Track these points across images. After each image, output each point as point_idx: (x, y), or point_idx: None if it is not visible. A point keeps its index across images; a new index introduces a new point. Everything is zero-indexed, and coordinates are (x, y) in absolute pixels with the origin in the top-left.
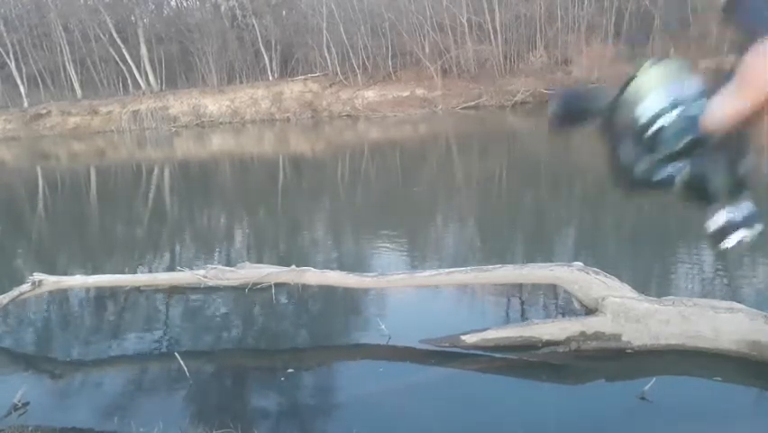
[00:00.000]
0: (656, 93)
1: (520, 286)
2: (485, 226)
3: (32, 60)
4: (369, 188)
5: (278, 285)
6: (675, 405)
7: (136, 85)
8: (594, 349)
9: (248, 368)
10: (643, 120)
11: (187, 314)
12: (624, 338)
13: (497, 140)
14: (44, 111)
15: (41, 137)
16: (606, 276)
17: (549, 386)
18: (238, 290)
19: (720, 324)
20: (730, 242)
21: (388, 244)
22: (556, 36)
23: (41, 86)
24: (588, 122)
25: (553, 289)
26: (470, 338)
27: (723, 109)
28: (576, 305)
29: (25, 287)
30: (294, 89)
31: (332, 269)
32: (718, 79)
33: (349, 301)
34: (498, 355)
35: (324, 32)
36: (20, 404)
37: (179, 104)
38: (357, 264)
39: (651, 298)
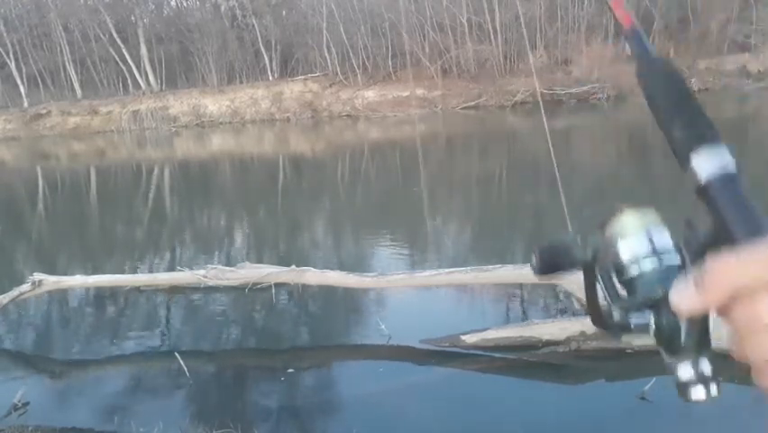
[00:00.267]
0: (635, 238)
1: (520, 286)
2: (485, 226)
3: (31, 60)
4: (369, 189)
5: (278, 285)
6: (675, 405)
7: (136, 85)
8: (594, 349)
9: (248, 368)
10: (621, 260)
11: (187, 314)
12: (624, 338)
13: (497, 140)
14: (44, 111)
15: (41, 137)
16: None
17: (549, 386)
18: (238, 290)
19: (720, 323)
20: (694, 395)
21: (388, 244)
22: (556, 36)
23: (41, 86)
24: (570, 269)
25: (553, 289)
26: (470, 338)
27: (685, 302)
28: (576, 305)
29: (25, 287)
30: (294, 89)
31: (332, 269)
32: (690, 241)
33: (349, 301)
34: (498, 355)
35: (324, 32)
36: (20, 404)
37: (179, 104)
38: (357, 264)
39: None
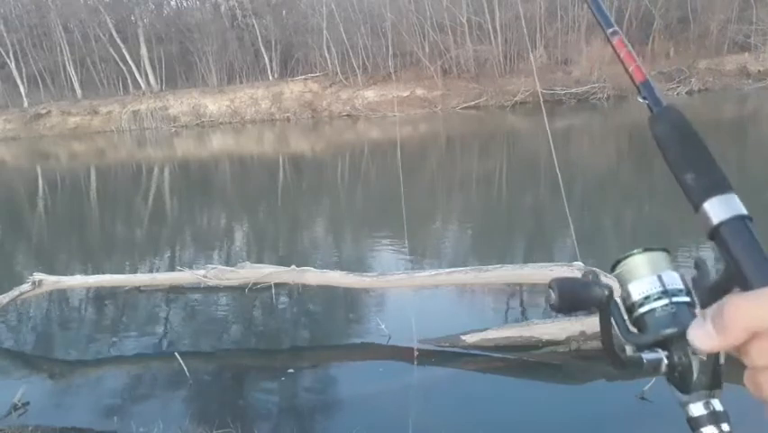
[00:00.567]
0: (646, 278)
1: (520, 286)
2: (485, 226)
3: (32, 60)
4: (368, 189)
5: (278, 285)
6: (675, 405)
7: (136, 85)
8: (594, 349)
9: (248, 368)
10: (632, 299)
11: (187, 314)
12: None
13: (497, 140)
14: (44, 111)
15: (41, 137)
16: (606, 276)
17: (549, 386)
18: (238, 289)
19: None
20: None
21: (388, 244)
22: (556, 36)
23: (40, 86)
24: (588, 308)
25: None
26: (470, 338)
27: (704, 341)
28: None
29: (25, 287)
30: (294, 89)
31: (332, 269)
32: (699, 282)
33: (349, 301)
34: (498, 355)
35: (324, 31)
36: (20, 404)
37: (179, 104)
38: (357, 264)
39: None
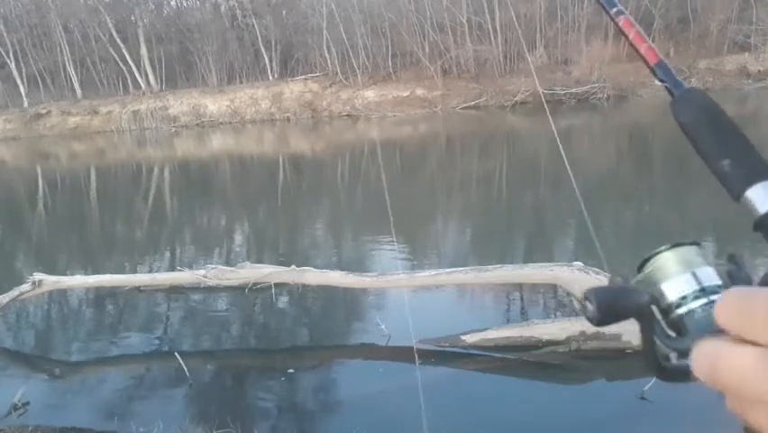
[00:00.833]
0: (680, 276)
1: (520, 286)
2: (485, 226)
3: (32, 60)
4: (368, 188)
5: (278, 285)
6: (675, 405)
7: (136, 85)
8: (594, 349)
9: (248, 368)
10: (667, 300)
11: (187, 314)
12: (624, 338)
13: (497, 140)
14: (44, 111)
15: (40, 137)
16: (606, 276)
17: (549, 386)
18: (238, 289)
19: None
20: None
21: (388, 244)
22: (556, 36)
23: (40, 86)
24: (630, 317)
25: (553, 289)
26: (470, 338)
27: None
28: (576, 305)
29: (25, 287)
30: (294, 89)
31: (332, 269)
32: (736, 276)
33: (349, 301)
34: (498, 355)
35: (324, 31)
36: (20, 404)
37: (179, 104)
38: (357, 264)
39: None
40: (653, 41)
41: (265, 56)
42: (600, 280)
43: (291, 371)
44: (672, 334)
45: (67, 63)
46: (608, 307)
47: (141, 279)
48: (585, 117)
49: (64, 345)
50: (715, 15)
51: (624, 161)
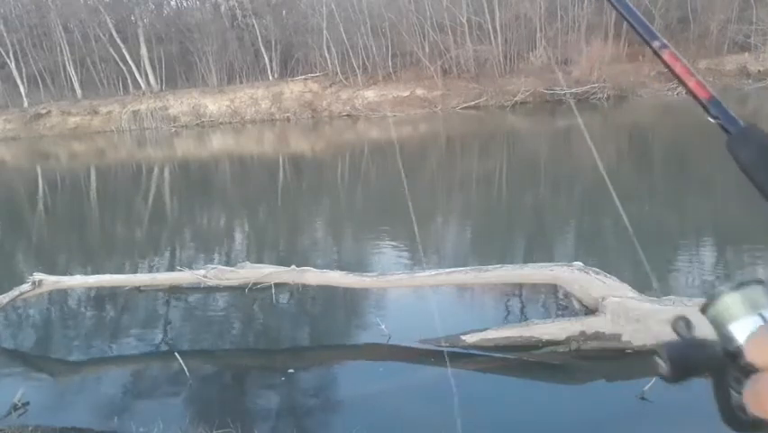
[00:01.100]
0: (748, 318)
1: (520, 286)
2: (485, 226)
3: (32, 60)
4: (369, 188)
5: (278, 285)
6: (675, 405)
7: (136, 85)
8: (594, 349)
9: (248, 368)
10: (735, 343)
11: (187, 314)
12: (624, 338)
13: (497, 140)
14: (44, 111)
15: (40, 137)
16: (606, 276)
17: (549, 386)
18: (238, 289)
19: None
20: None
21: (388, 244)
22: (556, 36)
23: (40, 86)
24: (705, 372)
25: (553, 289)
26: (470, 338)
27: None
28: (576, 305)
29: (25, 287)
30: (294, 89)
31: (332, 269)
32: None
33: (349, 301)
34: (498, 355)
35: (324, 32)
36: (20, 404)
37: (179, 104)
38: (357, 264)
39: (651, 298)
40: None
41: (265, 56)
42: (601, 280)
43: (291, 371)
44: (744, 378)
45: (67, 63)
46: (682, 364)
47: (141, 279)
48: (585, 117)
49: (64, 345)
50: (715, 15)
51: (624, 161)
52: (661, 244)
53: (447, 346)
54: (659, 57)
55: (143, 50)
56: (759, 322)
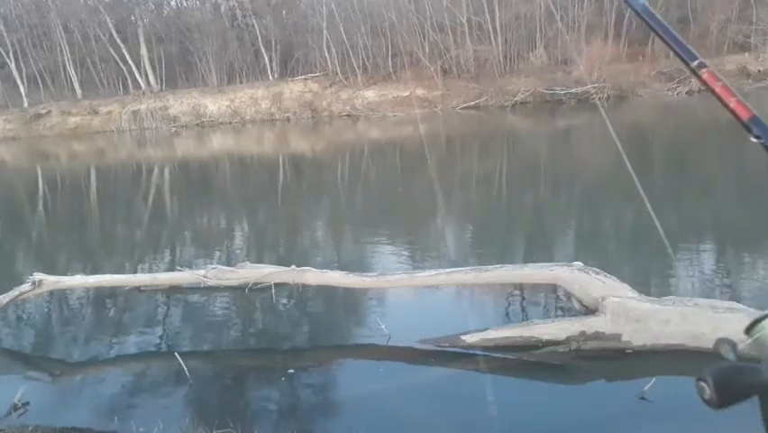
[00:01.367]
0: None
1: (520, 286)
2: (485, 226)
3: (32, 60)
4: (369, 188)
5: (278, 285)
6: (675, 405)
7: (136, 85)
8: (594, 349)
9: (248, 368)
10: None
11: (187, 314)
12: (624, 338)
13: (497, 140)
14: (44, 111)
15: (40, 137)
16: (606, 276)
17: (549, 386)
18: (238, 290)
19: (720, 324)
20: None
21: (388, 244)
22: (556, 36)
23: (41, 86)
24: (751, 396)
25: (553, 289)
26: (470, 338)
27: None
28: (576, 305)
29: (25, 287)
30: (294, 89)
31: (332, 269)
32: None
33: (349, 301)
34: (498, 355)
35: (324, 32)
36: (20, 404)
37: (179, 104)
38: (357, 264)
39: (651, 298)
40: (652, 42)
41: (265, 56)
42: (601, 280)
43: (291, 371)
44: None
45: (67, 63)
46: (729, 388)
47: (141, 279)
48: (585, 117)
49: (64, 345)
50: (715, 15)
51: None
52: (661, 243)
53: (447, 346)
54: (698, 77)
55: (143, 50)
56: None
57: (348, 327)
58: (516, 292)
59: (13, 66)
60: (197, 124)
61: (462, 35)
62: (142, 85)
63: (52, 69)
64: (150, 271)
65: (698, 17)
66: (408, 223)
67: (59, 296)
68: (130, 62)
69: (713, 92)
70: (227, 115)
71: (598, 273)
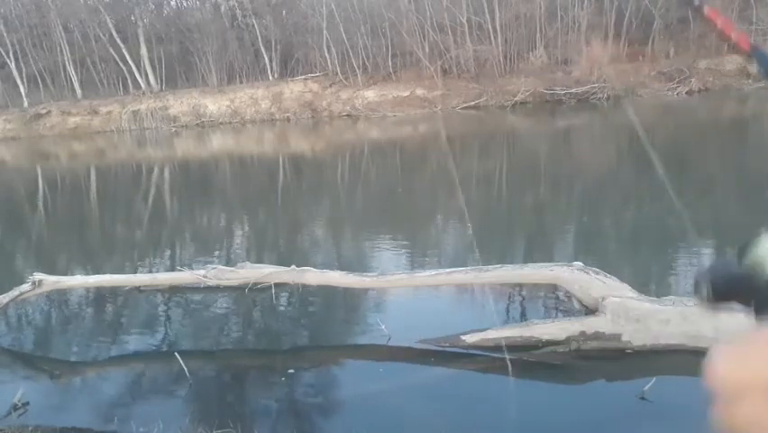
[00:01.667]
0: None
1: (520, 286)
2: (485, 226)
3: (32, 60)
4: (369, 189)
5: (278, 285)
6: (675, 405)
7: (136, 85)
8: (594, 349)
9: (248, 368)
10: None
11: (187, 314)
12: (624, 338)
13: (497, 140)
14: (44, 111)
15: (41, 137)
16: (606, 276)
17: (549, 386)
18: (238, 290)
19: (720, 324)
20: None
21: (388, 244)
22: (556, 36)
23: (41, 86)
24: (746, 299)
25: (553, 289)
26: (470, 338)
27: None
28: (576, 305)
29: (25, 287)
30: (294, 89)
31: (332, 269)
32: None
33: (349, 301)
34: (497, 355)
35: (324, 32)
36: (20, 404)
37: (179, 104)
38: (357, 264)
39: (651, 298)
40: (652, 42)
41: (265, 56)
42: (601, 280)
43: (291, 371)
44: None
45: (67, 63)
46: (725, 287)
47: (141, 279)
48: (585, 117)
49: (64, 345)
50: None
51: (624, 161)
52: (661, 243)
53: (447, 346)
54: (701, 14)
55: (143, 50)
56: None
57: (348, 327)
58: (516, 292)
59: (13, 66)
60: (197, 124)
61: (462, 35)
62: (142, 85)
63: (52, 69)
64: (150, 271)
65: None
66: (408, 223)
67: (59, 296)
68: (130, 62)
69: (715, 27)
70: (227, 115)
71: (598, 273)
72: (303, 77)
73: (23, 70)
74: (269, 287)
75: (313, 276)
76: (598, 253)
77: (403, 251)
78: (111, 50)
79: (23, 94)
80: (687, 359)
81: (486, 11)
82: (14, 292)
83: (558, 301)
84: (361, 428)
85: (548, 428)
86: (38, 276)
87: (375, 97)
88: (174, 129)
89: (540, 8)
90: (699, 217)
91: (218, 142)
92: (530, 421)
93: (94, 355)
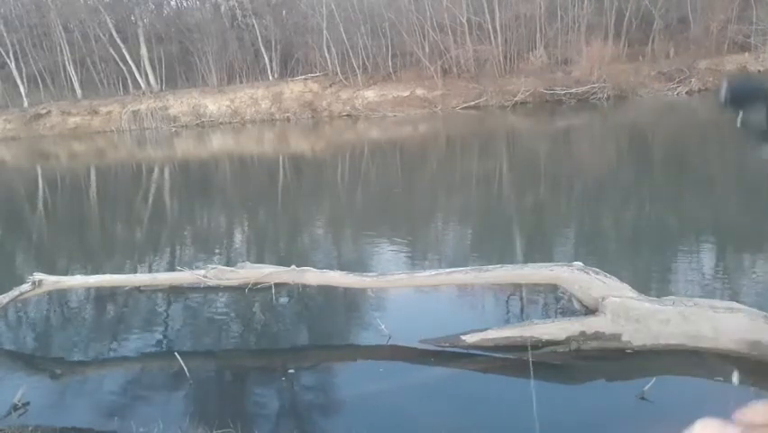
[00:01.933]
0: None
1: (520, 286)
2: (485, 226)
3: (32, 60)
4: (369, 188)
5: (278, 285)
6: (675, 405)
7: (136, 85)
8: (594, 349)
9: (248, 368)
10: None
11: (187, 314)
12: (624, 338)
13: (497, 140)
14: (44, 111)
15: (41, 137)
16: (606, 276)
17: (549, 386)
18: (238, 290)
19: (720, 324)
20: None
21: (387, 244)
22: (556, 36)
23: (41, 86)
24: (760, 103)
25: (553, 289)
26: (470, 338)
27: None
28: (576, 305)
29: (25, 287)
30: (294, 89)
31: (332, 269)
32: None
33: (349, 301)
34: (498, 355)
35: (324, 32)
36: (20, 404)
37: (179, 104)
38: (357, 264)
39: (651, 298)
40: (652, 42)
41: (265, 56)
42: (601, 280)
43: (291, 371)
44: None
45: (67, 63)
46: (740, 89)
47: (141, 279)
48: (585, 117)
49: (64, 345)
50: (715, 15)
51: (624, 161)
52: (661, 243)
53: (447, 346)
54: None
55: (143, 50)
56: None
57: (348, 327)
58: (516, 292)
59: (13, 66)
60: (197, 124)
61: (462, 35)
62: (142, 85)
63: (52, 69)
64: (150, 271)
65: (698, 17)
66: (408, 223)
67: (59, 296)
68: (130, 62)
69: None
70: (227, 115)
71: (598, 273)
72: (303, 77)
73: (23, 70)
74: (269, 287)
75: (313, 276)
76: (598, 254)
77: (403, 251)
78: (111, 50)
79: (23, 94)
80: (687, 359)
81: (486, 11)
82: (14, 292)
83: (558, 301)
84: (361, 428)
85: (548, 428)
86: (38, 276)
87: (375, 97)
88: (174, 129)
89: (540, 8)
90: (699, 217)
91: (218, 142)
92: (530, 421)
93: (94, 355)
